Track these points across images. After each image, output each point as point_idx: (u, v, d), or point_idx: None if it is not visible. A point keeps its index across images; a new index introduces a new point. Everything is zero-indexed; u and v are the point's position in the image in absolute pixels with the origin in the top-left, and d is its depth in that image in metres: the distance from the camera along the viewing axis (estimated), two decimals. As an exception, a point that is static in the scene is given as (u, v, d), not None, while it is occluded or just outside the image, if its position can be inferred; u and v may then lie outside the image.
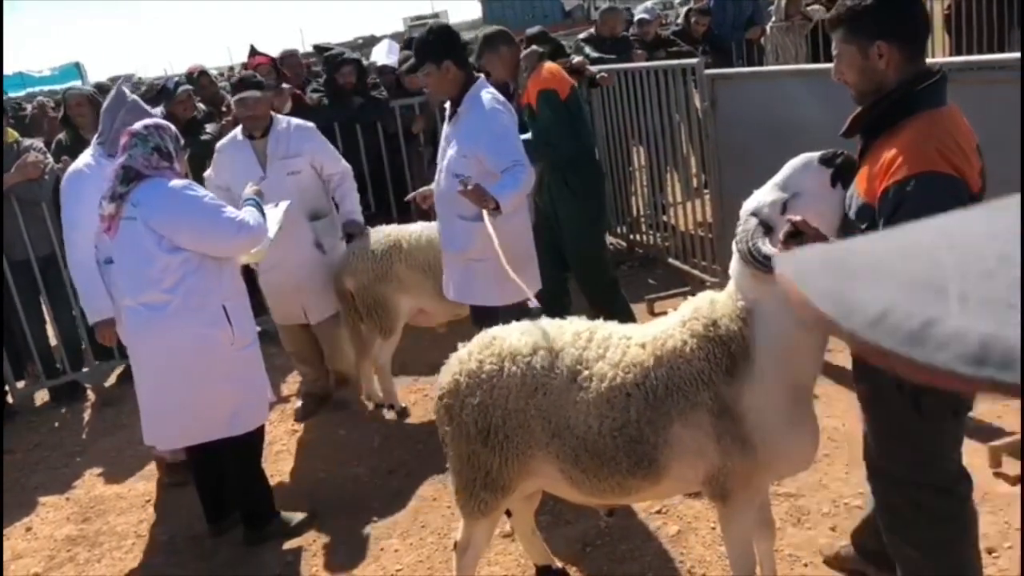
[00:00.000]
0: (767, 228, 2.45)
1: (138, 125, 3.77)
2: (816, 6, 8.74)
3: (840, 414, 4.38)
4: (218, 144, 5.28)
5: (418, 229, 5.16)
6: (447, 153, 4.14)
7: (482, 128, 3.96)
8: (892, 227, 0.54)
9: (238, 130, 5.15)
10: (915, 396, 2.41)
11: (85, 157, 4.51)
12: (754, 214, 2.49)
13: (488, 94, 4.10)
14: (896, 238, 0.52)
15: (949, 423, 2.50)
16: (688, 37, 8.77)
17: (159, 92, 6.75)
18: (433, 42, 4.11)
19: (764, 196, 2.51)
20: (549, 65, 5.03)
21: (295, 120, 5.14)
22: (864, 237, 0.54)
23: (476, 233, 3.92)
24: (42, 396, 6.47)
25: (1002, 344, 0.43)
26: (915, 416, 2.43)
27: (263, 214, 3.94)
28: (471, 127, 4.01)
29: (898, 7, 2.37)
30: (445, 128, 4.24)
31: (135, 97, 4.51)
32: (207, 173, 5.27)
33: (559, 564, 3.49)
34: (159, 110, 6.54)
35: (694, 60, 6.16)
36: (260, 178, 4.75)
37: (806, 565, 3.36)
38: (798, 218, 2.29)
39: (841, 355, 4.73)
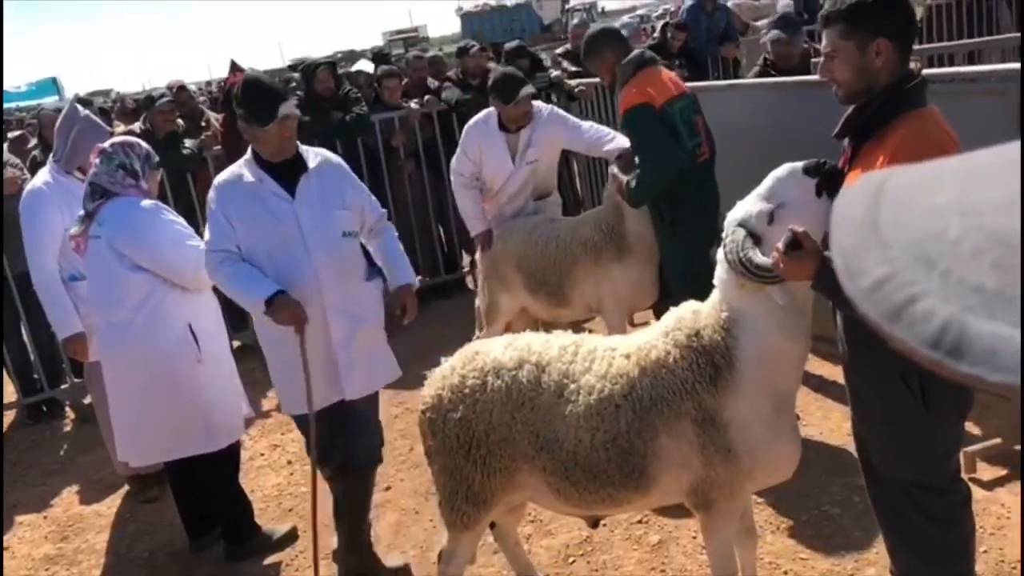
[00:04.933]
0: (755, 238, 2.47)
1: (107, 143, 3.78)
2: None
3: (817, 422, 4.43)
4: (468, 128, 5.29)
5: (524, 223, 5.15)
6: (314, 219, 3.42)
7: (347, 180, 3.65)
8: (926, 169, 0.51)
9: (490, 116, 5.16)
10: (923, 392, 2.44)
11: (43, 175, 4.53)
12: (742, 225, 2.51)
13: (319, 149, 3.72)
14: (929, 187, 0.50)
15: (952, 423, 2.54)
16: (665, 51, 8.85)
17: (144, 102, 6.80)
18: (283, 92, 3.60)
19: (750, 206, 2.52)
20: (646, 75, 4.36)
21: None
22: (909, 174, 0.52)
23: (376, 293, 3.69)
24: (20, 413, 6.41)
25: (956, 329, 0.43)
26: (922, 414, 2.46)
27: None
28: (337, 182, 3.57)
29: (899, 5, 2.39)
30: (275, 191, 3.40)
31: (87, 112, 4.52)
32: (453, 163, 5.30)
33: (541, 575, 3.50)
34: (137, 125, 6.56)
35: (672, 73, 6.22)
36: (510, 172, 5.05)
37: (786, 573, 3.39)
38: (800, 228, 2.30)
39: (818, 364, 4.79)
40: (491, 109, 5.14)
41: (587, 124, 5.21)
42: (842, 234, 0.52)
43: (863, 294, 0.48)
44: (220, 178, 3.51)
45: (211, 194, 3.46)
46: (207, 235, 3.42)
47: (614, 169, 4.60)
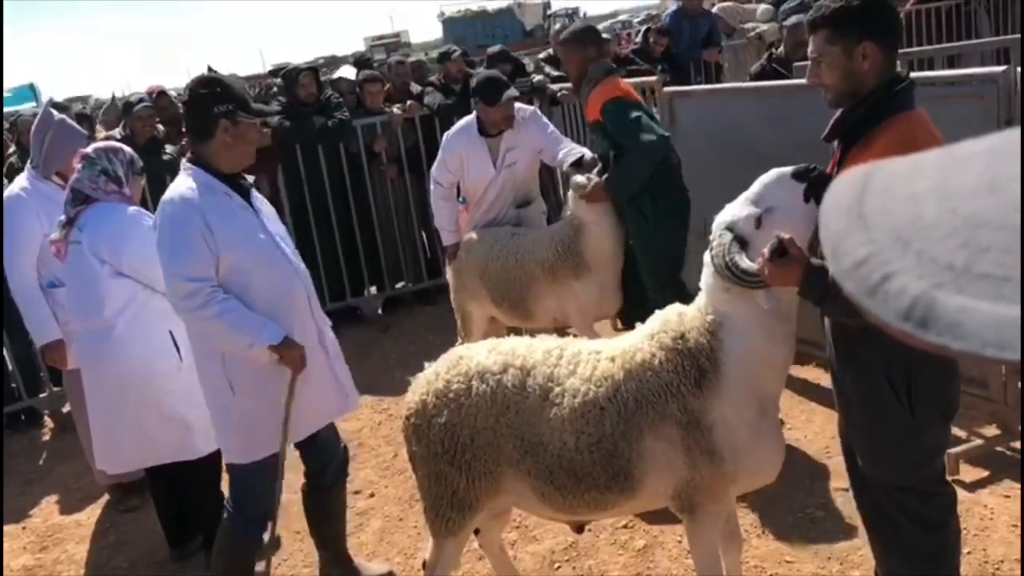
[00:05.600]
0: (742, 242, 2.48)
1: (91, 147, 3.75)
2: (771, 25, 8.90)
3: (801, 426, 4.44)
4: (448, 137, 5.19)
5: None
6: (278, 232, 3.34)
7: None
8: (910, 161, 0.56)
9: (471, 124, 5.07)
10: (908, 395, 2.45)
11: (20, 181, 4.50)
12: (729, 228, 2.51)
13: None
14: (911, 176, 0.54)
15: (937, 426, 2.55)
16: (647, 56, 8.89)
17: (123, 108, 6.75)
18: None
19: (738, 210, 2.52)
20: (616, 79, 4.47)
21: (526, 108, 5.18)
22: (894, 166, 0.56)
23: None
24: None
25: (925, 303, 0.47)
26: (907, 417, 2.48)
27: None
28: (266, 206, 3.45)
29: (883, 9, 2.42)
30: (241, 203, 3.23)
31: (62, 117, 4.48)
32: (433, 171, 5.24)
33: (527, 581, 3.49)
34: (118, 131, 6.50)
35: (653, 78, 6.24)
36: (492, 177, 5.00)
37: (771, 576, 3.39)
38: (786, 235, 2.31)
39: (802, 367, 4.81)
40: (471, 116, 5.12)
41: (564, 138, 5.18)
42: (831, 220, 0.56)
43: (845, 273, 0.52)
44: (186, 188, 3.10)
45: (177, 209, 3.06)
46: (177, 260, 3.03)
47: (578, 178, 4.52)
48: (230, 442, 3.31)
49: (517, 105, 5.05)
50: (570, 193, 4.66)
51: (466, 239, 5.09)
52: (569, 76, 4.84)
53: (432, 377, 2.92)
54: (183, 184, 3.15)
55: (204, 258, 3.04)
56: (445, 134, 5.30)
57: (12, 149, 7.48)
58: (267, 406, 3.21)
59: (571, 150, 4.87)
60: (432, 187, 5.23)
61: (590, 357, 2.77)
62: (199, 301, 3.01)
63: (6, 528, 4.80)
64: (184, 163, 3.23)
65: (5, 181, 5.87)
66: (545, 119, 5.28)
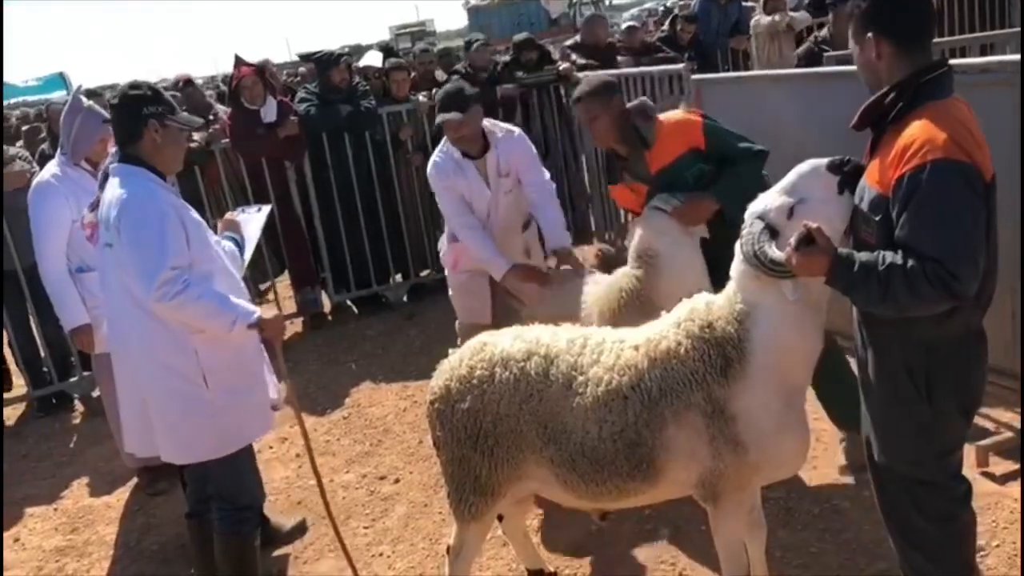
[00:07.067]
0: (773, 232, 2.46)
1: None
2: (800, 13, 8.80)
3: (827, 416, 4.40)
4: (431, 170, 4.55)
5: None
6: (220, 249, 3.43)
7: None
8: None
9: (449, 149, 4.49)
10: (928, 387, 2.43)
11: (51, 167, 4.52)
12: (760, 217, 2.50)
13: None
14: None
15: (957, 420, 2.52)
16: (674, 44, 8.83)
17: None
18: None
19: (770, 200, 2.51)
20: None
21: (503, 127, 4.62)
22: None
23: None
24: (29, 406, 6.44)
25: None
26: (925, 409, 2.45)
27: (241, 248, 3.82)
28: None
29: (889, 4, 2.40)
30: (197, 219, 3.27)
31: (90, 103, 4.51)
32: (445, 217, 4.72)
33: (551, 568, 3.50)
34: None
35: (680, 66, 6.20)
36: (488, 198, 4.48)
37: (796, 566, 3.37)
38: (814, 224, 2.30)
39: (829, 358, 4.76)
40: (444, 140, 4.55)
41: (545, 179, 4.62)
42: None
43: None
44: (150, 187, 3.14)
45: (157, 204, 3.08)
46: (166, 250, 3.01)
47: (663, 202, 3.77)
48: (206, 439, 3.29)
49: (504, 125, 4.63)
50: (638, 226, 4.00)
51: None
52: (598, 137, 4.12)
53: (456, 363, 2.93)
54: (143, 183, 3.15)
55: (183, 249, 3.07)
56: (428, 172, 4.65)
57: (43, 134, 7.59)
58: (238, 398, 3.29)
59: (558, 224, 4.51)
60: (456, 230, 4.61)
61: (614, 346, 2.77)
62: (180, 285, 2.99)
63: (38, 510, 4.89)
64: (117, 166, 3.21)
65: (36, 168, 5.96)
66: (528, 143, 4.63)
